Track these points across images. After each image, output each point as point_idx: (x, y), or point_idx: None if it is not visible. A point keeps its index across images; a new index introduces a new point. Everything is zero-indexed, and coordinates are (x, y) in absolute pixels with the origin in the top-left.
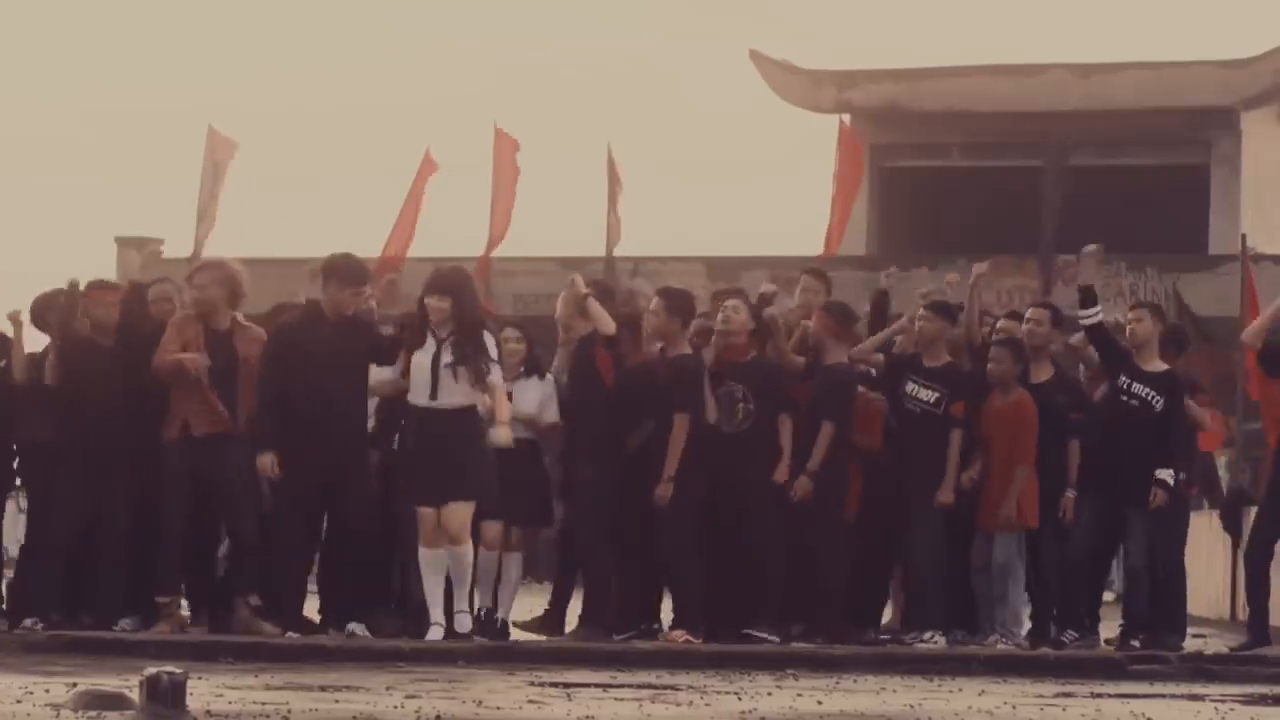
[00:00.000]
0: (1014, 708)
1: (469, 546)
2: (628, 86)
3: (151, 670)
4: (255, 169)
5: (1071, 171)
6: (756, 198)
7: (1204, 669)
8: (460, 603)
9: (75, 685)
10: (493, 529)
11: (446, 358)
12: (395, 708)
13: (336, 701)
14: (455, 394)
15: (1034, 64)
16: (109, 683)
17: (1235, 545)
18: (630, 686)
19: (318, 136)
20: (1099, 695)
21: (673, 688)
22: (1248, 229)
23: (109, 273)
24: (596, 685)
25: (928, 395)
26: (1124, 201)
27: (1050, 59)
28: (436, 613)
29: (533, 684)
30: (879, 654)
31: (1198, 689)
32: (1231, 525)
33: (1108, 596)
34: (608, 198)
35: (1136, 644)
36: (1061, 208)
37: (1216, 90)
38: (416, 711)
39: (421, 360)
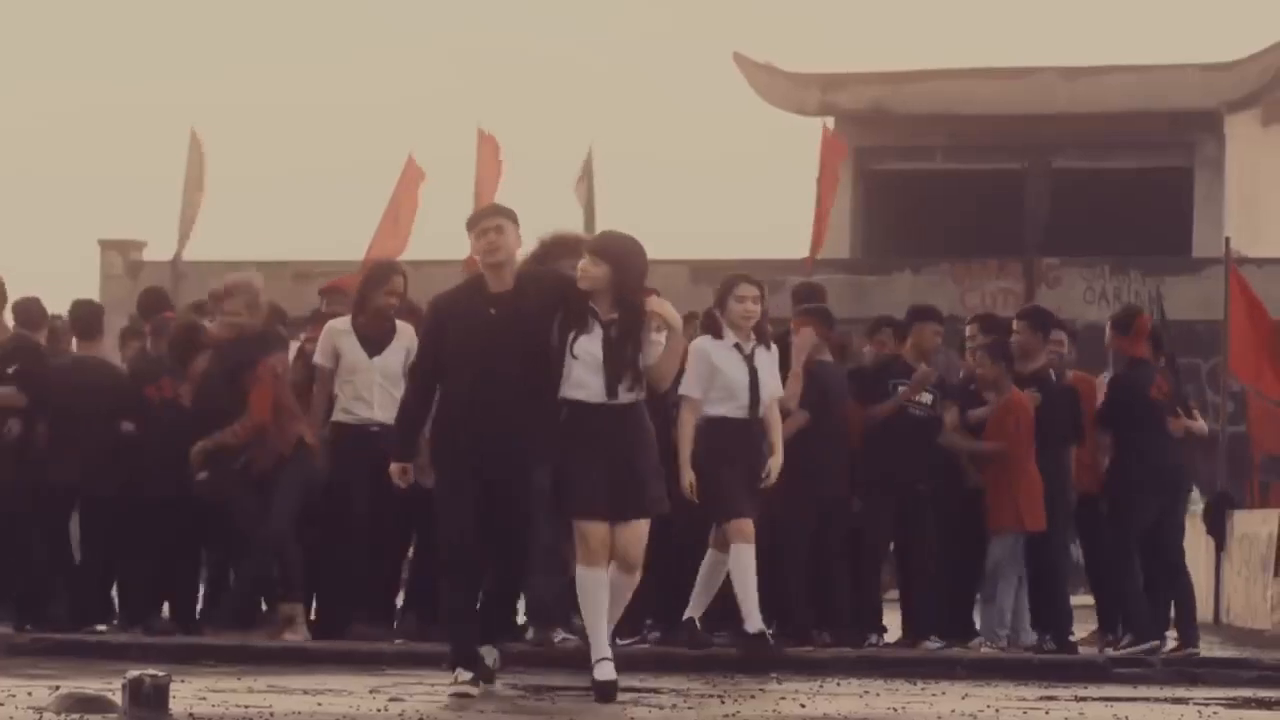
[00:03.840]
0: (997, 711)
1: (638, 576)
2: (611, 88)
3: (134, 673)
4: (238, 170)
5: (1055, 174)
6: (740, 201)
7: (1187, 672)
8: (603, 645)
9: (58, 688)
10: (748, 526)
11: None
12: (379, 710)
13: (320, 704)
14: (628, 389)
15: (1019, 67)
16: (92, 686)
17: (1219, 548)
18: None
19: (301, 136)
20: (1082, 699)
21: (655, 690)
22: (1231, 232)
23: (92, 276)
24: (579, 689)
25: (926, 397)
26: (1108, 204)
27: (1035, 62)
28: (604, 645)
29: (515, 687)
30: (862, 657)
31: (1181, 692)
32: (1215, 528)
33: (1089, 599)
34: (585, 200)
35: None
36: (1047, 210)
37: (1201, 93)
38: (400, 714)
39: (589, 348)
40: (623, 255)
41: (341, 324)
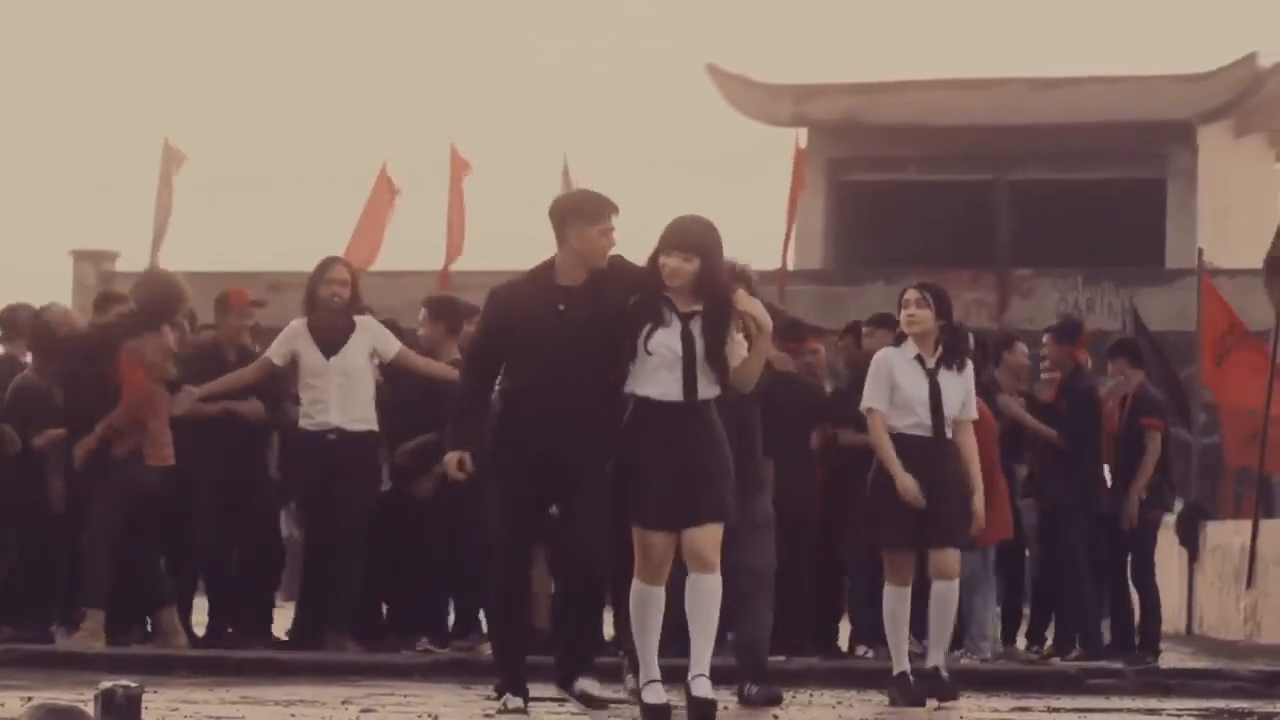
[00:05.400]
0: None
1: (719, 576)
2: (585, 98)
3: (107, 684)
4: (214, 179)
5: (1028, 186)
6: (713, 211)
7: (1160, 683)
8: (700, 659)
9: (30, 699)
10: (953, 557)
11: (701, 345)
12: None
13: (292, 715)
14: (707, 386)
15: (991, 78)
16: (64, 696)
17: (1192, 559)
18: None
19: (274, 145)
20: (1055, 710)
21: (628, 701)
22: (1204, 243)
23: (65, 287)
24: (553, 699)
25: None
26: (1081, 215)
27: (1008, 73)
28: (653, 666)
29: (488, 698)
30: (836, 668)
31: (1154, 703)
32: (1188, 539)
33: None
34: None
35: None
36: (1020, 221)
37: (1173, 105)
38: None
39: (667, 342)
40: (713, 247)
41: (300, 325)
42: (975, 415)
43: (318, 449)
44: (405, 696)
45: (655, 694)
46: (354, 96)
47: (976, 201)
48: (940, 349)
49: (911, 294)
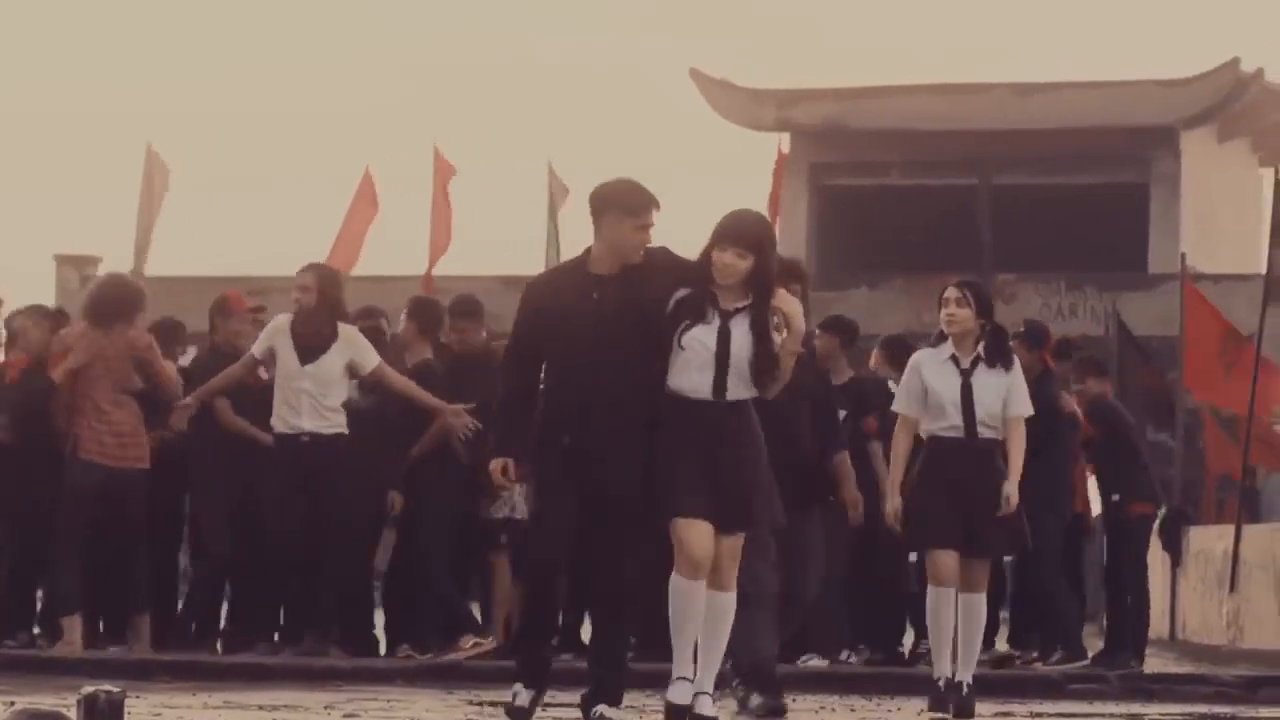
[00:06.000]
0: None
1: (734, 593)
2: (568, 103)
3: (89, 689)
4: (197, 183)
5: (1011, 190)
6: (697, 215)
7: (1143, 688)
8: (704, 676)
9: (12, 704)
10: (981, 569)
11: (743, 341)
12: None
13: None
14: (740, 386)
15: (974, 83)
16: (46, 701)
17: (1174, 564)
18: (569, 705)
19: (258, 149)
20: (1038, 715)
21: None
22: (1187, 248)
23: (48, 291)
24: (549, 706)
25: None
26: (1063, 220)
27: (990, 78)
28: (688, 664)
29: (471, 703)
30: (819, 672)
31: (1136, 708)
32: (1170, 544)
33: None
34: (548, 214)
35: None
36: (1003, 226)
37: (1156, 110)
38: None
39: (702, 338)
40: (768, 245)
41: (284, 322)
42: (1028, 411)
43: (294, 452)
44: (388, 701)
45: (679, 693)
46: (338, 99)
47: (959, 206)
48: (980, 348)
49: (951, 292)
